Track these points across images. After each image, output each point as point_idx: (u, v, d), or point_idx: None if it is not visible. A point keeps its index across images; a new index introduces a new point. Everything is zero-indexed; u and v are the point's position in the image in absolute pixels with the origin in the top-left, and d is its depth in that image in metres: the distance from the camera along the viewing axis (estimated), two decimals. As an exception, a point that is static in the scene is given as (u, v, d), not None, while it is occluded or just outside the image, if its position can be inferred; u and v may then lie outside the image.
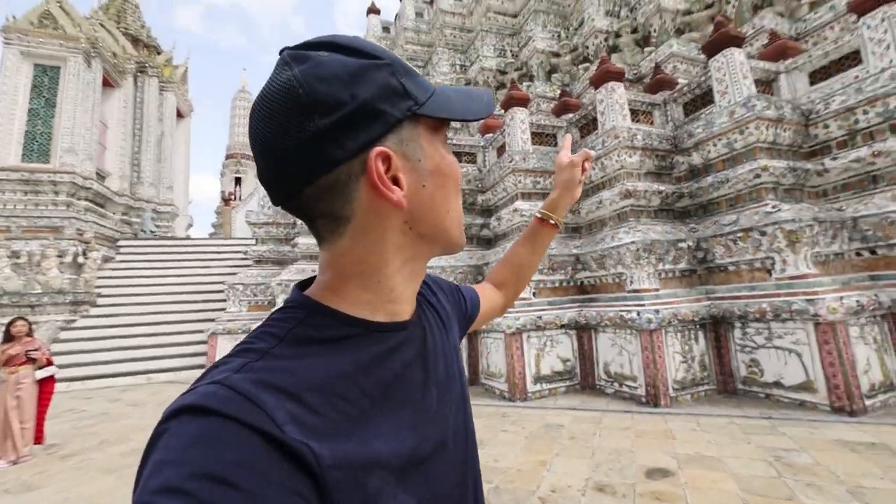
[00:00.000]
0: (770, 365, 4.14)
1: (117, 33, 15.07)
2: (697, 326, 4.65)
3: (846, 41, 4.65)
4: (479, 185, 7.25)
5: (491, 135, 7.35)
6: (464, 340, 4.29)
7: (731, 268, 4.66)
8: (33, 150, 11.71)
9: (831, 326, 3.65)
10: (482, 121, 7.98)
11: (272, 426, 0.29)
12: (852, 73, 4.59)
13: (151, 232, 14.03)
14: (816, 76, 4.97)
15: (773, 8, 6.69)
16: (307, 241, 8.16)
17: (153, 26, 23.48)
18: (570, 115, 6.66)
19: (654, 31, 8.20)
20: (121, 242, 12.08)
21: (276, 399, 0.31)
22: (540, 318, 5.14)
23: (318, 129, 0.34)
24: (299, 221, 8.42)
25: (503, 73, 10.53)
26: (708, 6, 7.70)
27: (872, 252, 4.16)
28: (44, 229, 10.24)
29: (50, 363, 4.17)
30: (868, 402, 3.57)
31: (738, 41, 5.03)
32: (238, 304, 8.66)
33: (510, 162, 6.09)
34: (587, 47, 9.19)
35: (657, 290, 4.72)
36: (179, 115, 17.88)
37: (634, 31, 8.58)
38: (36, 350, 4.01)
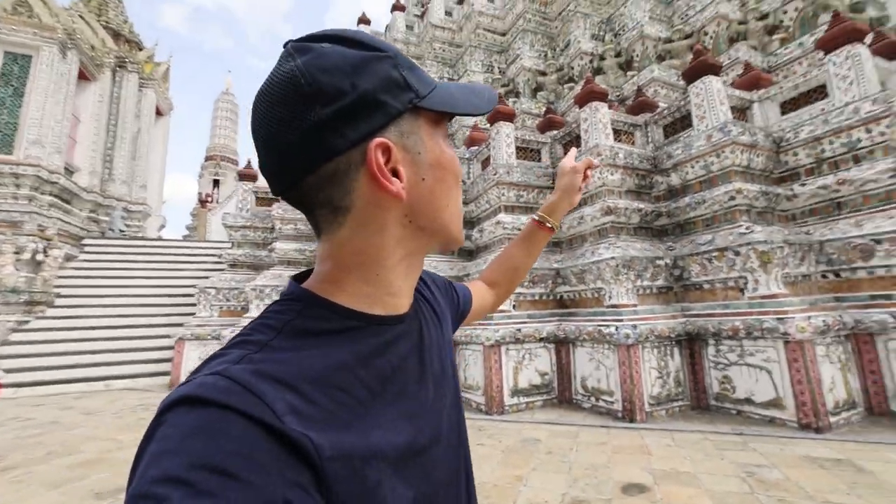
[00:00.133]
0: (742, 381, 4.22)
1: (97, 26, 14.64)
2: (673, 343, 4.72)
3: (814, 75, 4.93)
4: (463, 197, 7.27)
5: (476, 147, 7.42)
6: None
7: (705, 286, 4.77)
8: (-4, 140, 11.12)
9: (800, 345, 3.76)
10: (468, 133, 8.06)
11: (272, 417, 0.29)
12: (819, 106, 4.86)
13: (121, 231, 13.43)
14: (787, 106, 5.23)
15: (747, 41, 7.07)
16: (285, 246, 7.96)
17: (137, 23, 22.99)
18: (555, 132, 6.80)
19: (637, 56, 8.53)
20: (86, 241, 11.49)
21: (275, 390, 0.31)
22: (519, 330, 5.12)
23: (319, 118, 0.35)
24: (278, 225, 8.25)
25: (490, 88, 10.71)
26: (687, 36, 8.07)
27: (837, 275, 4.34)
28: (1, 224, 9.66)
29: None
30: (833, 420, 3.67)
31: (715, 69, 5.26)
32: (209, 308, 8.32)
33: (495, 175, 6.13)
34: (572, 68, 9.47)
35: (635, 305, 4.78)
36: (159, 112, 17.39)
37: (618, 55, 8.89)
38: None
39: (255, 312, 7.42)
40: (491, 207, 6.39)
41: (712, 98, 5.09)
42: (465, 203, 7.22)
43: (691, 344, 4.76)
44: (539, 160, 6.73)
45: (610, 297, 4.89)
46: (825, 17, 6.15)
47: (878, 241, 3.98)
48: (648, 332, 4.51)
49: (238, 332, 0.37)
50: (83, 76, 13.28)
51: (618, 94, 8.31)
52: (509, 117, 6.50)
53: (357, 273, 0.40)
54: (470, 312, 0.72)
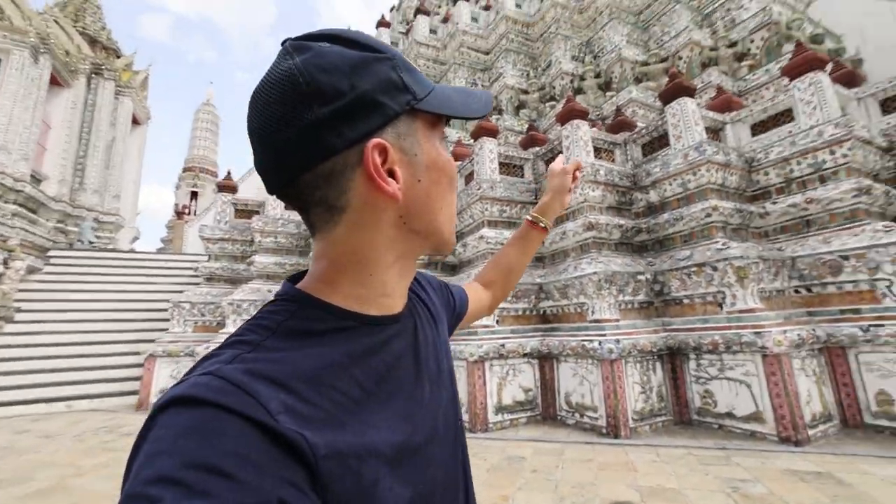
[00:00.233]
0: (723, 396, 4.27)
1: (73, 32, 14.30)
2: (655, 357, 4.76)
3: (781, 100, 5.19)
4: (448, 211, 7.27)
5: (460, 163, 7.47)
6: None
7: (685, 301, 4.86)
8: (-42, 146, 10.60)
9: (777, 358, 3.84)
10: (451, 149, 8.12)
11: (266, 416, 0.29)
12: (787, 128, 5.10)
13: (90, 243, 12.89)
14: (757, 128, 5.48)
15: (718, 67, 7.42)
16: (265, 260, 7.77)
17: (116, 31, 22.58)
18: (537, 149, 6.92)
19: (616, 77, 8.84)
20: (52, 252, 10.95)
21: (269, 389, 0.31)
22: (503, 346, 5.08)
23: (317, 117, 0.35)
24: (258, 238, 8.06)
25: (474, 105, 10.89)
26: (662, 60, 8.43)
27: (809, 290, 4.50)
28: (-41, 233, 9.13)
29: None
30: (811, 433, 3.74)
31: (690, 91, 5.48)
32: (183, 324, 7.97)
33: (478, 189, 6.17)
34: (554, 87, 9.73)
35: (617, 320, 4.82)
36: (136, 121, 16.97)
37: (598, 76, 9.20)
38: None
39: (231, 328, 7.15)
40: (474, 222, 6.40)
41: (688, 118, 5.29)
42: (450, 217, 7.22)
43: (673, 358, 4.81)
44: (522, 176, 6.81)
45: (593, 312, 4.92)
46: (789, 47, 6.53)
47: (846, 258, 4.15)
48: (631, 346, 4.54)
49: (232, 333, 0.37)
50: (56, 82, 12.90)
51: (598, 113, 8.56)
52: (493, 133, 6.59)
53: (351, 274, 0.40)
54: (467, 314, 0.73)
